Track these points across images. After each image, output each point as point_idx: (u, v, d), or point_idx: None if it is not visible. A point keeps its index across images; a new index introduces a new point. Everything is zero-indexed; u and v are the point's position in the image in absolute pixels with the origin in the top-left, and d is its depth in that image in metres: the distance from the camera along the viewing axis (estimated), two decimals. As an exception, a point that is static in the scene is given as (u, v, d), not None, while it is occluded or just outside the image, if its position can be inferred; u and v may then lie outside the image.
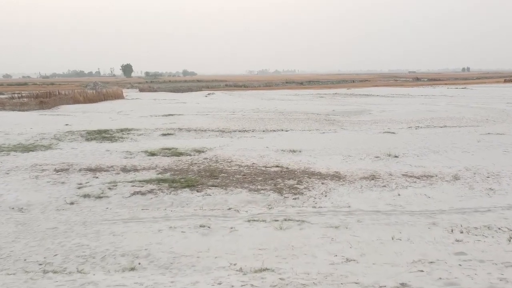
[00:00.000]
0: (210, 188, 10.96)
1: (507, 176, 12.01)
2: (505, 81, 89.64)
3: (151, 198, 10.30)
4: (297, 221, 8.52)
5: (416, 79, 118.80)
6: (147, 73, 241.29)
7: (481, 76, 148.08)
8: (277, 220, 8.56)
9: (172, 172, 12.73)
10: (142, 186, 11.23)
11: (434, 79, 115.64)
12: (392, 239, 7.52)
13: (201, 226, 8.30)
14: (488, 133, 19.78)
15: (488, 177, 11.88)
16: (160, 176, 12.32)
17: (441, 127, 22.72)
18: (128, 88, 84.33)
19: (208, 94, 61.49)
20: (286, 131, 22.05)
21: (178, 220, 8.70)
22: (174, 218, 8.83)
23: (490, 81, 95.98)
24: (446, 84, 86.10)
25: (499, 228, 8.05)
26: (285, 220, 8.57)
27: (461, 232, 7.85)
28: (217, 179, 11.91)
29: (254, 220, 8.62)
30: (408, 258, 6.67)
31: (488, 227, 8.10)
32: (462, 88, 66.13)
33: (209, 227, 8.24)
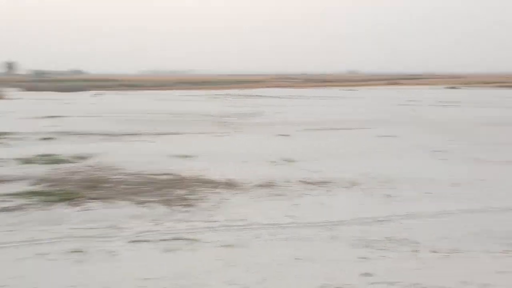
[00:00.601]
0: (90, 201, 9.70)
1: (400, 181, 11.87)
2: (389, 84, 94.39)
3: (19, 215, 8.84)
4: (188, 240, 7.57)
5: (307, 81, 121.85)
6: (33, 71, 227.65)
7: (368, 78, 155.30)
8: (164, 240, 7.55)
9: (48, 183, 11.26)
10: (11, 201, 9.71)
11: (325, 81, 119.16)
12: (293, 259, 6.78)
13: (74, 251, 7.05)
14: (383, 136, 20.08)
15: (385, 183, 11.68)
16: (32, 188, 10.81)
17: (337, 129, 22.80)
18: (10, 87, 78.29)
19: (97, 94, 58.37)
20: (179, 134, 20.96)
21: (48, 244, 7.37)
22: (44, 241, 7.50)
23: (378, 83, 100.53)
24: (337, 86, 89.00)
25: (400, 241, 7.61)
26: (174, 239, 7.58)
27: (365, 247, 7.31)
28: (99, 190, 10.65)
29: (139, 241, 7.53)
30: (311, 285, 5.91)
31: (390, 240, 7.65)
32: (353, 90, 68.80)
33: (83, 252, 7.02)
